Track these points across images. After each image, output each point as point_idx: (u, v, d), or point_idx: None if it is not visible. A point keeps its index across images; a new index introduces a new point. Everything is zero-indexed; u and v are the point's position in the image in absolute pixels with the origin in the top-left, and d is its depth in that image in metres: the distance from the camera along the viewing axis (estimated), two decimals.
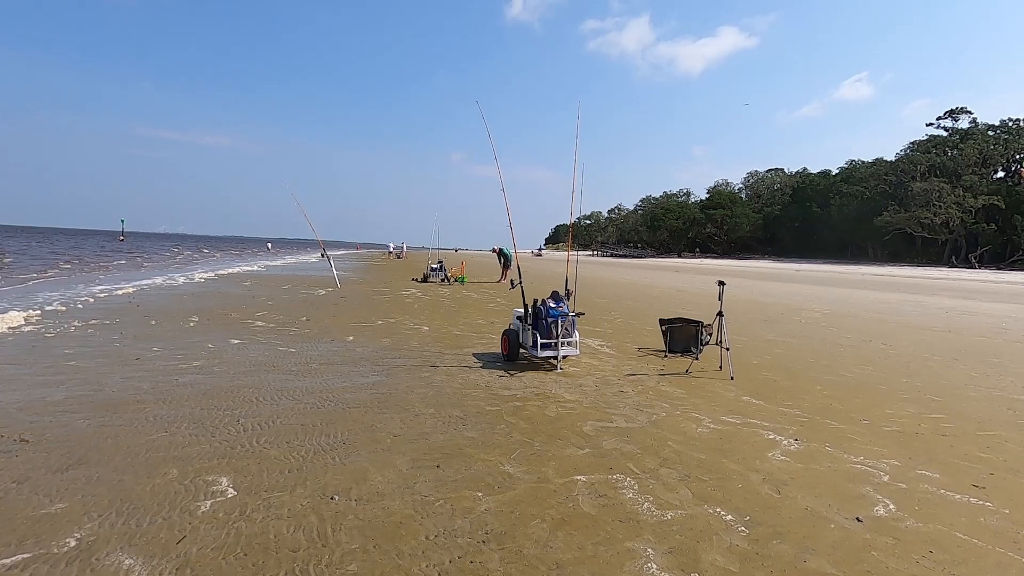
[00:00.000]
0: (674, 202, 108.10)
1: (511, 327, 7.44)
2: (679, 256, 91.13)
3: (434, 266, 22.86)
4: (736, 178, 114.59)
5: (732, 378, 6.55)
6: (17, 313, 9.58)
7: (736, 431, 4.69)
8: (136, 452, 3.82)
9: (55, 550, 2.63)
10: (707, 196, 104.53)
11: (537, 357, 6.91)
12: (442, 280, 22.03)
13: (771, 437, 4.55)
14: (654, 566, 2.65)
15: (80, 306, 11.41)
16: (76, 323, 9.15)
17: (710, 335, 7.61)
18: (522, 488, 3.46)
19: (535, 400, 5.46)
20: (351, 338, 8.63)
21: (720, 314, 6.84)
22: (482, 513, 3.12)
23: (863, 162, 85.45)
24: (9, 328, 8.40)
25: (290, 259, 44.71)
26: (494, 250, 23.93)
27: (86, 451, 3.81)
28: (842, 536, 2.99)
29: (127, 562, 2.55)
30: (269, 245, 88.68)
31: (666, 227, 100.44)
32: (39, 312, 10.15)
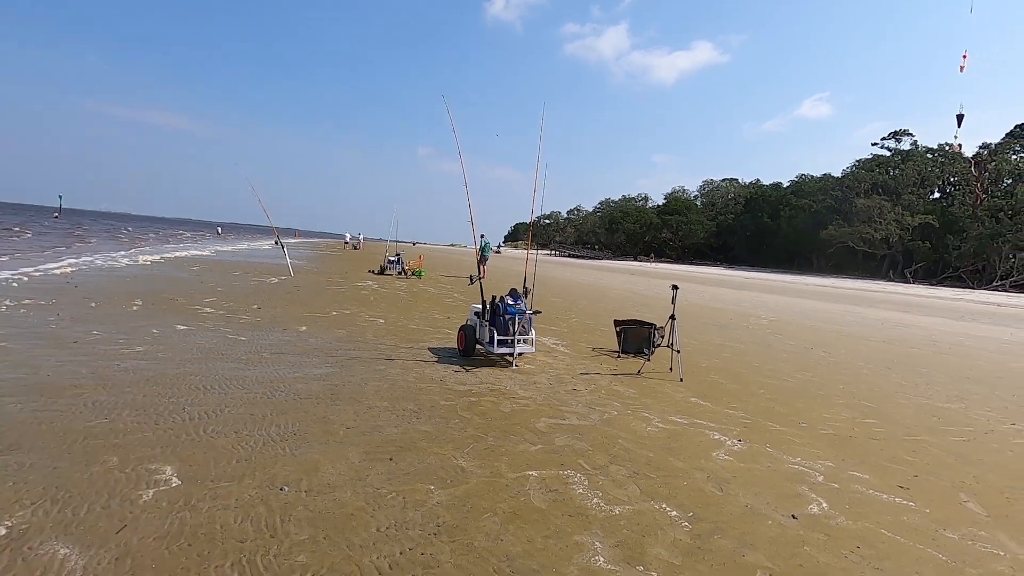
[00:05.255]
0: (632, 206, 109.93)
1: (468, 323, 7.45)
2: (635, 259, 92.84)
3: (392, 258, 22.59)
4: (692, 186, 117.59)
5: (681, 380, 6.74)
6: None
7: (683, 431, 4.84)
8: (73, 439, 3.67)
9: None
10: (664, 202, 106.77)
11: (493, 353, 6.95)
12: (399, 273, 21.81)
13: (716, 437, 4.72)
14: (601, 559, 2.73)
15: (15, 284, 10.80)
16: (7, 303, 8.66)
17: (662, 337, 7.81)
18: (474, 482, 3.50)
19: (490, 396, 5.50)
20: (304, 328, 8.47)
21: (672, 317, 7.03)
22: (434, 506, 3.14)
23: (812, 177, 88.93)
24: None
25: (241, 245, 43.33)
26: (482, 236, 21.97)
27: (18, 436, 3.64)
28: (778, 532, 3.14)
29: (62, 551, 2.46)
30: (219, 229, 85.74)
31: (623, 230, 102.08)
32: None
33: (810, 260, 79.88)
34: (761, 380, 7.17)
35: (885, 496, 3.76)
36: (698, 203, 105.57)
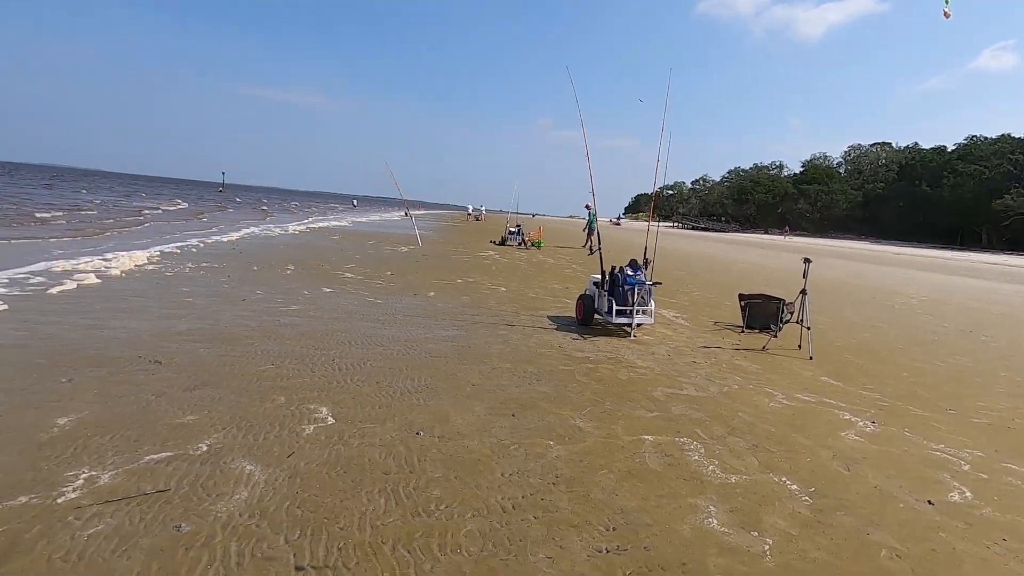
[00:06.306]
0: (764, 175, 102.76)
1: (587, 292, 7.57)
2: (766, 232, 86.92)
3: (512, 230, 23.09)
4: (836, 152, 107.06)
5: (811, 358, 6.41)
6: (141, 253, 10.68)
7: (810, 408, 4.66)
8: (249, 379, 4.32)
9: (191, 452, 3.09)
10: (801, 170, 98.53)
11: (611, 323, 7.03)
12: (519, 244, 22.28)
13: (846, 417, 4.50)
14: (715, 521, 2.79)
15: (193, 251, 12.54)
16: (190, 265, 10.10)
17: (791, 313, 7.43)
18: (591, 441, 3.67)
19: (607, 363, 5.62)
20: (432, 294, 9.05)
21: (804, 292, 6.67)
22: (553, 459, 3.36)
23: (986, 139, 77.50)
24: (136, 266, 9.41)
25: (374, 216, 46.39)
26: (587, 207, 20.96)
27: (208, 375, 4.35)
28: (911, 516, 3.00)
29: (248, 467, 2.97)
30: (354, 202, 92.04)
31: (754, 201, 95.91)
32: (158, 254, 11.25)
33: (978, 234, 70.25)
34: (905, 363, 6.62)
35: None
36: (841, 171, 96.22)
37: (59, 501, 2.53)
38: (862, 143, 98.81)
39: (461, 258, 15.81)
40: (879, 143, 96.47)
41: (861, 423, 4.39)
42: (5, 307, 5.83)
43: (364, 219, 39.51)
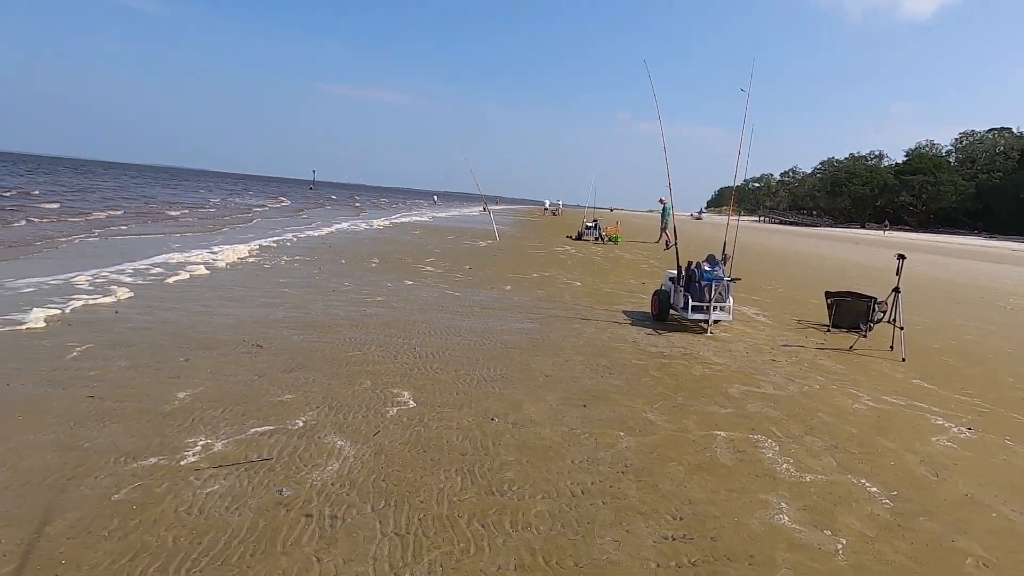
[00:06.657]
0: (862, 165, 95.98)
1: (663, 288, 7.51)
2: (862, 227, 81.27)
3: (589, 224, 22.99)
4: (945, 140, 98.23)
5: (904, 359, 6.07)
6: (243, 247, 11.58)
7: (898, 412, 4.46)
8: (338, 364, 4.67)
9: (289, 426, 3.42)
10: (904, 160, 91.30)
11: (687, 319, 6.94)
12: (596, 239, 22.17)
13: (938, 422, 4.27)
14: (786, 518, 2.78)
15: (288, 245, 13.43)
16: (285, 258, 10.85)
17: (883, 312, 7.04)
18: (662, 434, 3.71)
19: (681, 359, 5.59)
20: (509, 287, 9.26)
21: (896, 290, 6.32)
22: (623, 449, 3.43)
23: None
24: (238, 259, 10.23)
25: (453, 211, 47.46)
26: (661, 200, 20.92)
27: (303, 359, 4.73)
28: (1003, 525, 2.85)
29: (339, 443, 3.25)
30: (435, 198, 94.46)
31: (849, 193, 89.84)
32: (257, 247, 12.15)
33: None
34: (1012, 368, 6.15)
35: None
36: (951, 160, 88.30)
37: (181, 463, 2.90)
38: (976, 129, 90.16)
39: (537, 253, 15.98)
40: (996, 129, 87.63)
41: (955, 429, 4.16)
42: (132, 294, 6.56)
43: (444, 214, 40.54)
